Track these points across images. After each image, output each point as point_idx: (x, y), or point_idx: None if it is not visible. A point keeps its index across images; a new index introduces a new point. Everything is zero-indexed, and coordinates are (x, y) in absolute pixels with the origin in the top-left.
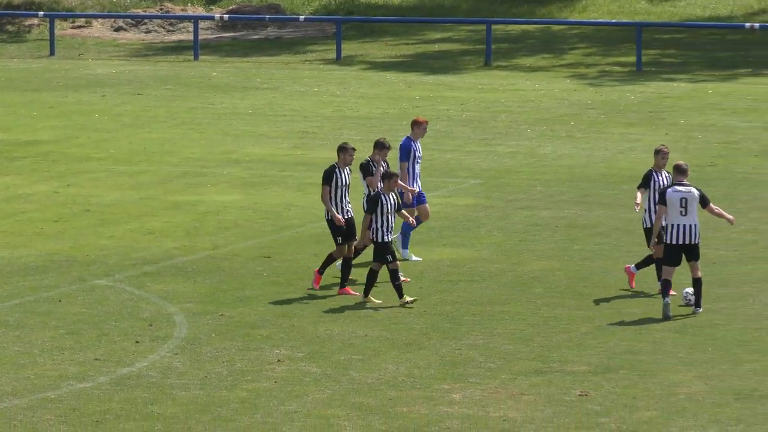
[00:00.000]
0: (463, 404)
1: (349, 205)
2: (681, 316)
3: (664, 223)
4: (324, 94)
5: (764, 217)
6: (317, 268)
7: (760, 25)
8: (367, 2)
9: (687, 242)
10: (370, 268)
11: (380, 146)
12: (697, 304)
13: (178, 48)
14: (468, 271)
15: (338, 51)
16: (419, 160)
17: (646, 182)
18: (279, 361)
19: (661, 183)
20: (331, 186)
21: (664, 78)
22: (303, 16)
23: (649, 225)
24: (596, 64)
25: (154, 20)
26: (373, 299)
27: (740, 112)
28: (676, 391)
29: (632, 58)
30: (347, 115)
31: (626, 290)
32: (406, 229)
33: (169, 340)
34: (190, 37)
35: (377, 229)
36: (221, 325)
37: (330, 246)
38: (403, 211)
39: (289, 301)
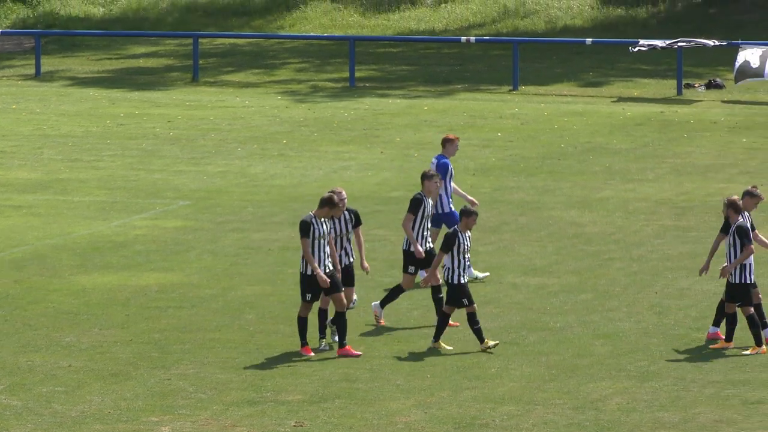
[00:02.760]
0: None
1: (430, 236)
2: (399, 342)
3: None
4: (23, 112)
5: (483, 238)
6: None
7: (476, 39)
8: (68, 15)
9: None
10: (442, 311)
11: (428, 177)
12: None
13: None
14: (177, 296)
15: (37, 66)
16: (452, 178)
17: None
18: None
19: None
20: (416, 216)
21: (379, 94)
22: None
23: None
24: (309, 80)
25: None
26: (443, 345)
27: (457, 128)
28: (395, 420)
29: (345, 74)
30: (48, 134)
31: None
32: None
33: None
34: None
35: (452, 269)
36: None
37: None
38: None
39: None
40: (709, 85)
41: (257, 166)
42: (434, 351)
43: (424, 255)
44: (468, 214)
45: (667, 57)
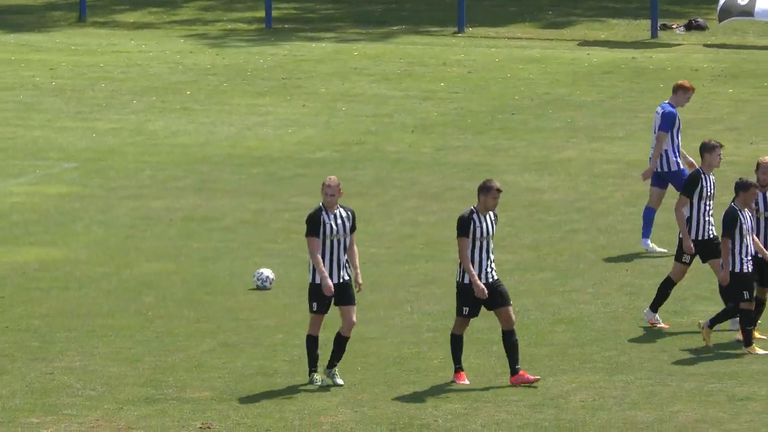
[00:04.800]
0: None
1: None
2: (324, 328)
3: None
4: None
5: (423, 206)
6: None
7: None
8: None
9: None
10: (733, 308)
11: (709, 149)
12: None
13: None
14: (62, 275)
15: None
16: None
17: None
18: None
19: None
20: (692, 197)
21: (300, 37)
22: None
23: None
24: (217, 20)
25: None
26: (758, 349)
27: (392, 78)
28: (319, 420)
29: (261, 13)
30: None
31: (250, 293)
32: (650, 215)
33: None
34: None
35: (733, 255)
36: None
37: None
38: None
39: None
40: (690, 26)
41: (156, 122)
42: (365, 339)
43: (693, 250)
44: (745, 188)
45: None
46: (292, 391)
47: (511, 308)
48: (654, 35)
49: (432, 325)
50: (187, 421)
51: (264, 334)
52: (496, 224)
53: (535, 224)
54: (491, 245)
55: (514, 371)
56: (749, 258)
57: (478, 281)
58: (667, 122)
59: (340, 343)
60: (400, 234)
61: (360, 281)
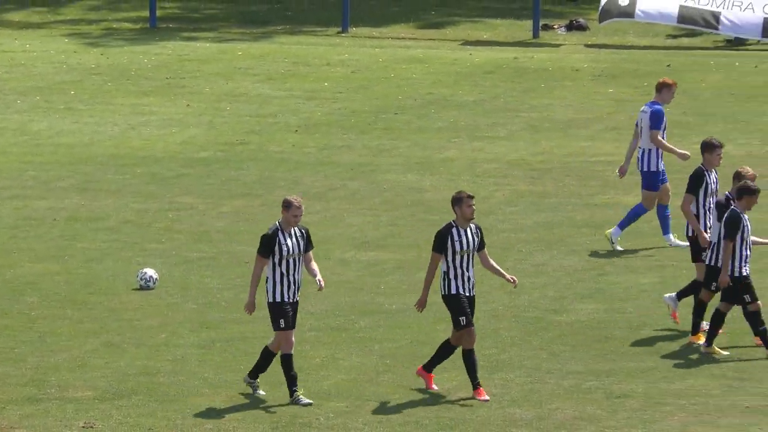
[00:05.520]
0: None
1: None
2: (207, 328)
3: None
4: None
5: (307, 206)
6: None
7: None
8: None
9: None
10: (717, 310)
11: (711, 147)
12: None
13: None
14: None
15: None
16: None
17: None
18: None
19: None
20: (698, 193)
21: (185, 37)
22: None
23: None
24: (101, 20)
25: None
26: (717, 349)
27: (276, 78)
28: (202, 421)
29: (145, 13)
30: None
31: (133, 293)
32: (663, 211)
33: None
34: None
35: (734, 259)
36: None
37: None
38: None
39: None
40: (571, 27)
41: (40, 122)
42: (247, 338)
43: (709, 243)
44: (750, 192)
45: None
46: (175, 390)
47: (472, 329)
48: (536, 35)
49: (314, 324)
50: (69, 420)
51: (147, 334)
52: (479, 237)
53: (416, 224)
54: (473, 259)
55: (475, 386)
56: (747, 264)
57: (425, 298)
58: (658, 121)
59: (267, 356)
60: None
61: (322, 284)
